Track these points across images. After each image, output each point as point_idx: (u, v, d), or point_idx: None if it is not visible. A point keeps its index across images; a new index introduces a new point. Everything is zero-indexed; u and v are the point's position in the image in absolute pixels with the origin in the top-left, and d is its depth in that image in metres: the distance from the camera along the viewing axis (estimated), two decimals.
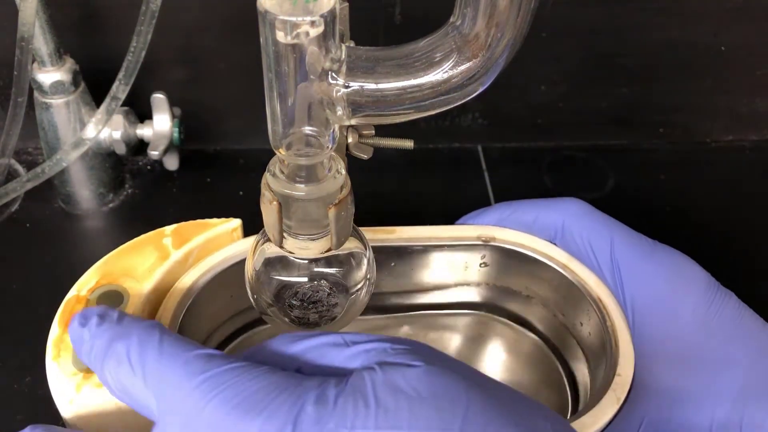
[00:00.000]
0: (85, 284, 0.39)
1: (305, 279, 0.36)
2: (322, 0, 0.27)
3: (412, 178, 0.63)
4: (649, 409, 0.39)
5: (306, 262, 0.36)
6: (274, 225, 0.33)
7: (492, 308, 0.49)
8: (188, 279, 0.41)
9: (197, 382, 0.28)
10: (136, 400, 0.29)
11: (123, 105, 0.49)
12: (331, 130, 0.31)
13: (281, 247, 0.35)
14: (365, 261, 0.37)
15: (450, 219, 0.47)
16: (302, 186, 0.32)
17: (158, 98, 0.55)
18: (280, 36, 0.27)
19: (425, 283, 0.47)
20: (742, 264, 0.40)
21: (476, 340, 0.50)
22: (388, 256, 0.45)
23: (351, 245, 0.36)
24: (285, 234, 0.34)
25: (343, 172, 0.33)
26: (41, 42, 0.48)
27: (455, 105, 0.31)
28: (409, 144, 0.44)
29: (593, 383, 0.43)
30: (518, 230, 0.45)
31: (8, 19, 0.46)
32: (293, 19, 0.27)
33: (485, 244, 0.45)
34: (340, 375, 0.28)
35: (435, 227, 0.45)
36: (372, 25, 0.57)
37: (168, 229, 0.42)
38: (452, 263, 0.46)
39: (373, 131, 0.41)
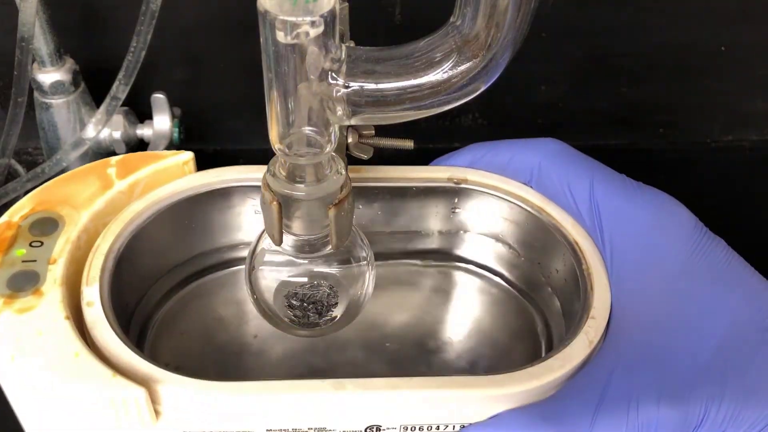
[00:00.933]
0: (18, 211, 0.37)
1: (305, 279, 0.36)
2: (322, 0, 0.27)
3: None
4: (624, 358, 0.34)
5: (306, 262, 0.36)
6: (274, 225, 0.33)
7: (462, 256, 0.46)
8: (132, 210, 0.39)
9: None
10: None
11: (123, 105, 0.49)
12: (331, 130, 0.31)
13: (281, 247, 0.35)
14: (365, 260, 0.37)
15: None
16: (302, 186, 0.32)
17: (158, 98, 0.55)
18: (280, 36, 0.27)
19: (394, 229, 0.44)
20: None
21: (447, 290, 0.47)
22: (354, 198, 0.43)
23: (351, 245, 0.37)
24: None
25: (343, 172, 0.33)
26: (41, 42, 0.48)
27: (455, 105, 0.31)
28: (409, 144, 0.44)
29: (568, 332, 0.39)
30: (492, 172, 0.43)
31: (8, 19, 0.46)
32: (293, 19, 0.27)
33: (456, 187, 0.43)
34: None
35: (404, 167, 0.43)
36: (372, 25, 0.57)
37: (113, 159, 0.40)
38: (422, 209, 0.44)
39: (373, 131, 0.41)
